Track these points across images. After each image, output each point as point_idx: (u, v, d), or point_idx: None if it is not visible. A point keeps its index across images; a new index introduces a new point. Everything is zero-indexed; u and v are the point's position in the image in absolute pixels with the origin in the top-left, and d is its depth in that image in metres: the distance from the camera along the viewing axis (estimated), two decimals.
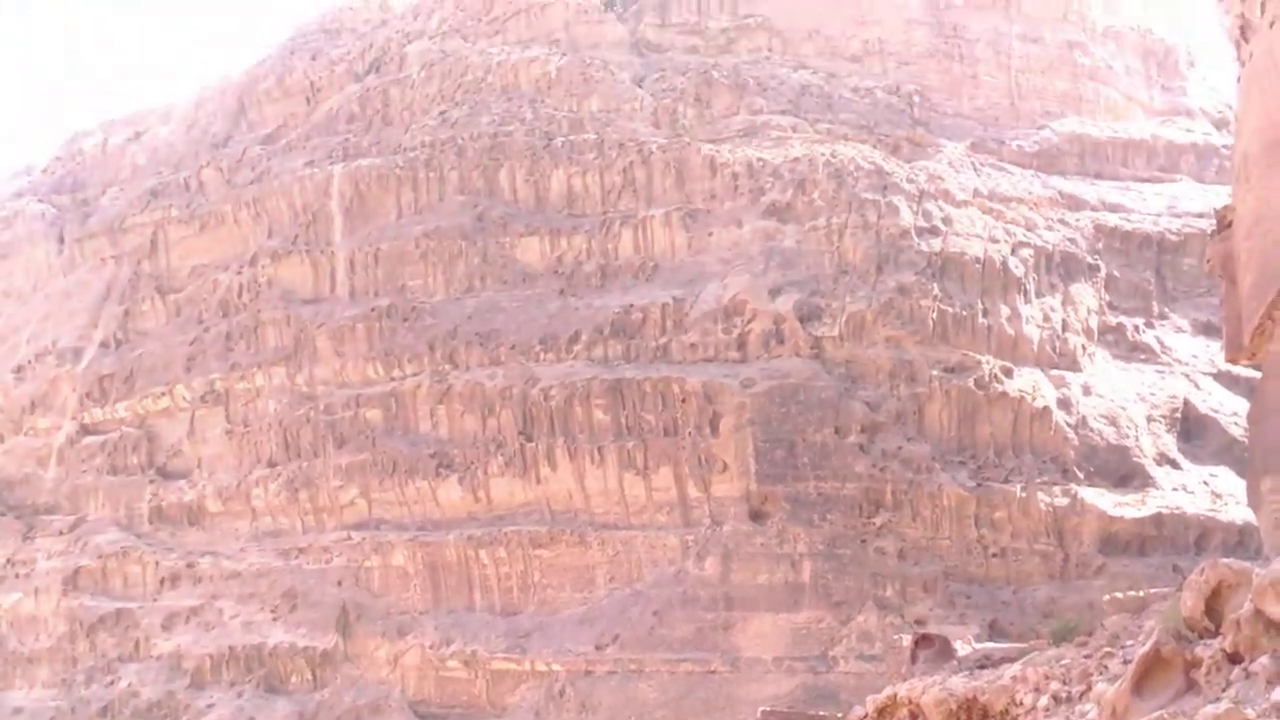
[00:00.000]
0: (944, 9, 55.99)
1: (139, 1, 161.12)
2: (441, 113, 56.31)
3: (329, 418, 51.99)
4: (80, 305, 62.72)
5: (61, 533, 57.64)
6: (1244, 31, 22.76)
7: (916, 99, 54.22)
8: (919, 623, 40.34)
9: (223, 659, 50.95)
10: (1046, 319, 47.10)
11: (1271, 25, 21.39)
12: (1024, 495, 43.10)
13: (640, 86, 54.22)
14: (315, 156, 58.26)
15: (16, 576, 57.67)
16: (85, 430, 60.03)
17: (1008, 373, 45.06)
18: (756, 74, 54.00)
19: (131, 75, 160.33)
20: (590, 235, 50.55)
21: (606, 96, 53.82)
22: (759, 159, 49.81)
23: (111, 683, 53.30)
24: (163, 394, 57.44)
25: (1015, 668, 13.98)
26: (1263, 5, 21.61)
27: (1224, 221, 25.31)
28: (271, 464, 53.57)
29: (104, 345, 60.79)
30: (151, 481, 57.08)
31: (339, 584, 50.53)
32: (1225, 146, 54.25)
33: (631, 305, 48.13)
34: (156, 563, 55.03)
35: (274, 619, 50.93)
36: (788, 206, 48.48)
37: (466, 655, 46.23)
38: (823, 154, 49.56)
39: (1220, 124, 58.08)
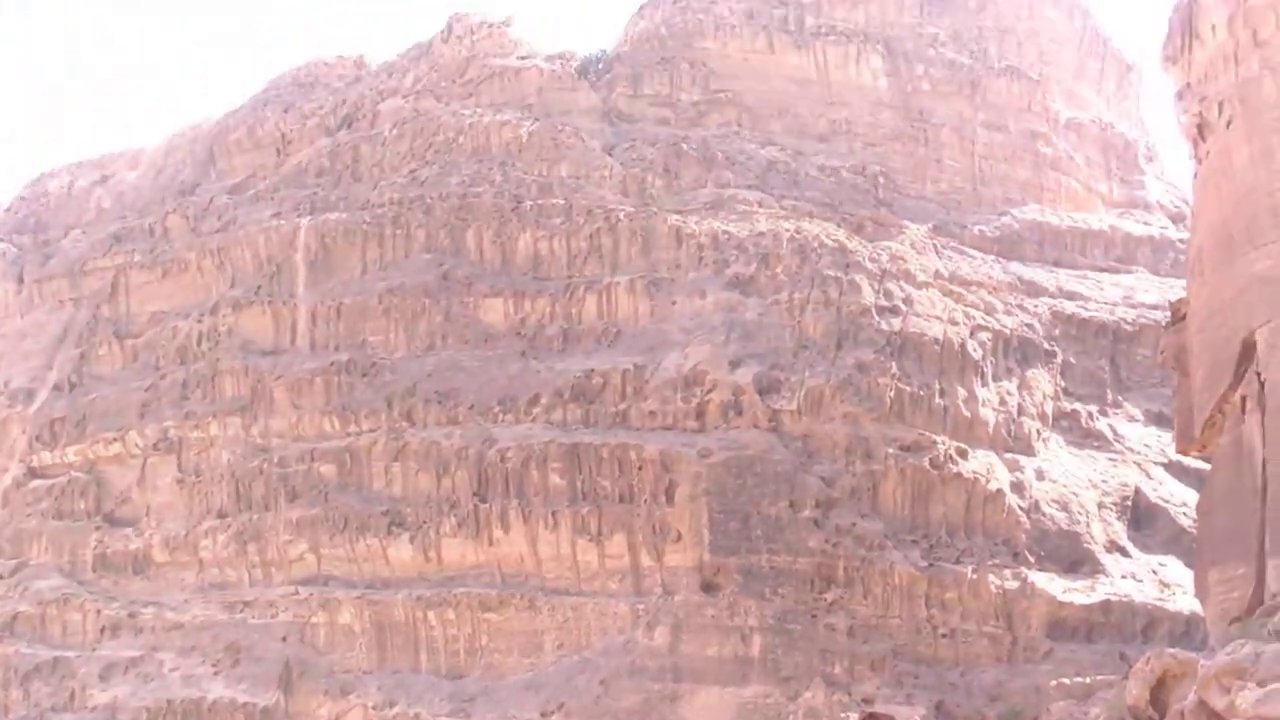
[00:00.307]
0: (911, 93, 57.13)
1: (139, 1, 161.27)
2: (411, 171, 56.62)
3: (282, 470, 51.54)
4: (36, 347, 62.09)
5: (2, 577, 56.54)
6: (1201, 131, 23.44)
7: (881, 180, 55.10)
8: (866, 701, 40.29)
9: (160, 712, 49.80)
10: (1003, 402, 47.62)
11: (1228, 126, 22.07)
12: (975, 577, 43.26)
13: (610, 155, 54.80)
14: (283, 208, 58.30)
15: None
16: (33, 473, 59.12)
17: (962, 454, 45.42)
18: (725, 148, 54.73)
19: (131, 75, 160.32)
20: (554, 299, 50.77)
21: (576, 163, 54.34)
22: (724, 231, 50.35)
23: None
24: (114, 439, 56.74)
25: None
26: (1220, 107, 22.30)
27: (1178, 314, 25.87)
28: (221, 515, 52.90)
29: (57, 388, 60.09)
30: (98, 528, 56.16)
31: (283, 639, 49.76)
32: (1181, 241, 55.44)
33: (592, 370, 48.25)
34: (98, 611, 54.02)
35: (215, 673, 49.98)
36: (751, 279, 48.92)
37: (410, 717, 45.53)
38: (787, 229, 50.14)
39: (1177, 218, 59.41)
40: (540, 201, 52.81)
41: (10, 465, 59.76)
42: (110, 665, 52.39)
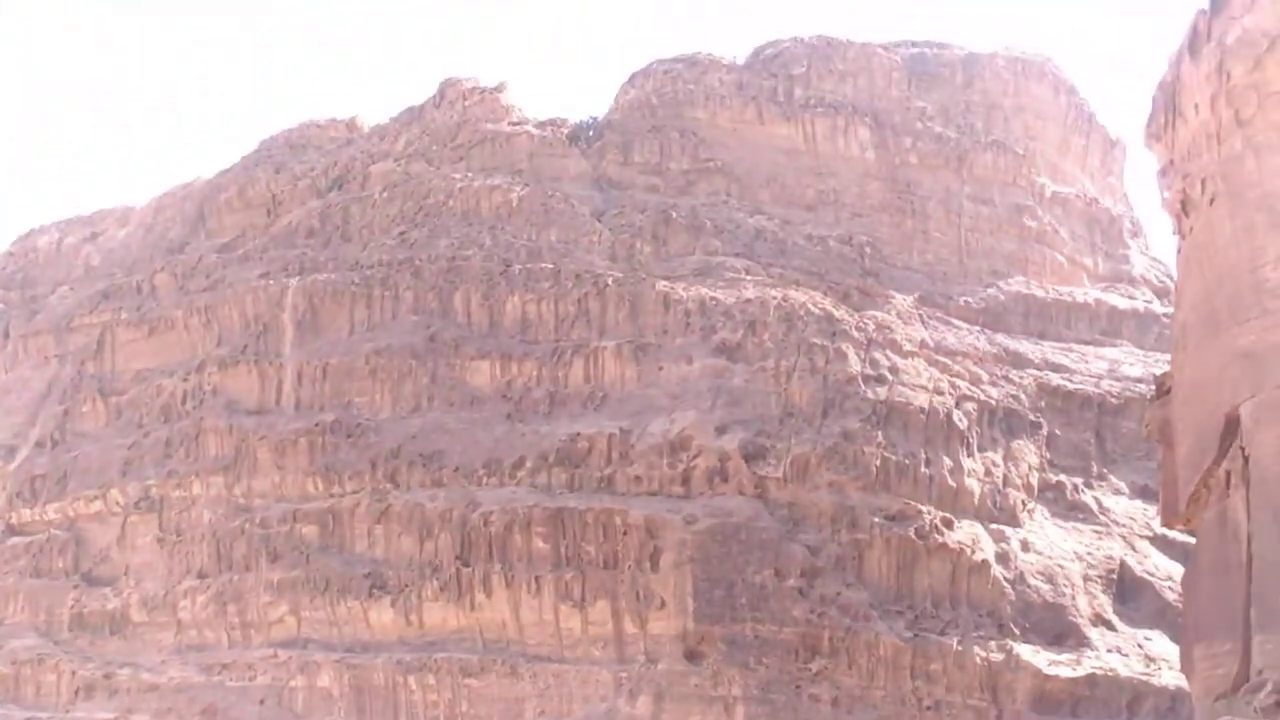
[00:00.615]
0: (898, 166, 57.73)
1: (139, 1, 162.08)
2: (401, 233, 56.82)
3: (264, 531, 51.15)
4: (19, 403, 61.82)
5: None
6: (1184, 207, 23.71)
7: (868, 250, 55.46)
8: None
9: None
10: (988, 473, 47.64)
11: (1211, 203, 22.33)
12: (960, 649, 43.00)
13: (599, 220, 55.11)
14: (271, 268, 58.38)
15: None
16: (11, 530, 58.60)
17: (948, 524, 45.32)
18: (713, 216, 55.10)
19: (130, 78, 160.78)
20: (541, 362, 50.77)
21: (566, 228, 54.61)
22: (712, 298, 50.54)
23: None
24: (95, 497, 56.31)
25: None
26: (1203, 184, 22.58)
27: (1163, 388, 25.98)
28: (201, 575, 52.39)
29: (40, 444, 59.74)
30: (75, 587, 55.53)
31: (261, 702, 49.08)
32: (1165, 315, 55.82)
33: (578, 434, 48.13)
34: (73, 672, 53.25)
35: None
36: (737, 346, 49.03)
37: None
38: (774, 297, 50.36)
39: (1161, 293, 59.87)
40: (529, 266, 53.00)
41: None
42: None
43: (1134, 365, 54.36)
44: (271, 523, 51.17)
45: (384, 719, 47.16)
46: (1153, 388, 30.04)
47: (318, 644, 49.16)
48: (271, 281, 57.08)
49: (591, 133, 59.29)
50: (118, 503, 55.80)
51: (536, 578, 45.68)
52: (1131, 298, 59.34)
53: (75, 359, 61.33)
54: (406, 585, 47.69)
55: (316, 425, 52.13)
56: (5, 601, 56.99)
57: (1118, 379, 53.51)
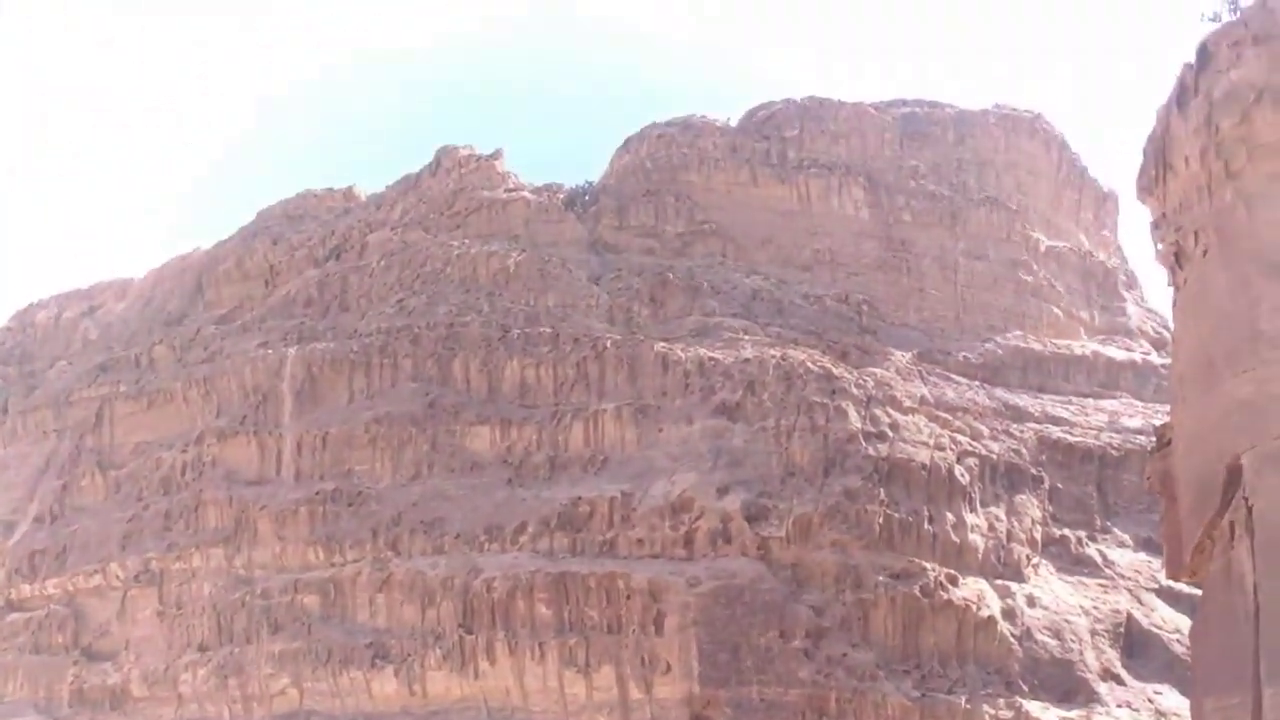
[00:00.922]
0: (893, 224, 58.14)
1: (139, 2, 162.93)
2: (399, 301, 57.08)
3: (265, 602, 50.81)
4: (18, 478, 61.69)
5: None
6: (1178, 259, 23.82)
7: (865, 308, 55.72)
8: None
9: None
10: (991, 528, 47.42)
11: (1204, 255, 22.43)
12: (968, 707, 42.47)
13: (597, 284, 55.38)
14: (270, 338, 58.57)
15: None
16: (11, 607, 58.21)
17: (953, 580, 45.02)
18: (710, 278, 55.40)
19: (130, 78, 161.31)
20: (541, 427, 50.76)
21: (563, 292, 54.86)
22: (710, 358, 50.64)
23: None
24: (95, 571, 55.96)
25: None
26: (1195, 236, 22.70)
27: (1163, 439, 25.92)
28: (203, 648, 51.96)
29: (39, 519, 59.51)
30: (75, 662, 55.04)
31: None
32: (1163, 366, 55.89)
33: (579, 498, 48.00)
34: None
35: None
36: (737, 406, 49.03)
37: None
38: (773, 356, 50.47)
39: (1158, 344, 59.99)
40: (527, 330, 53.18)
41: None
42: None
43: (1133, 417, 54.32)
44: (273, 593, 50.86)
45: None
46: (1153, 439, 29.98)
47: (320, 716, 48.62)
48: (270, 351, 57.23)
49: (587, 197, 59.79)
50: (117, 576, 55.48)
51: (540, 644, 45.33)
52: (1129, 349, 59.44)
53: (74, 433, 61.28)
54: (409, 654, 47.30)
55: (317, 494, 52.02)
56: (5, 678, 56.46)
57: (1118, 431, 53.44)
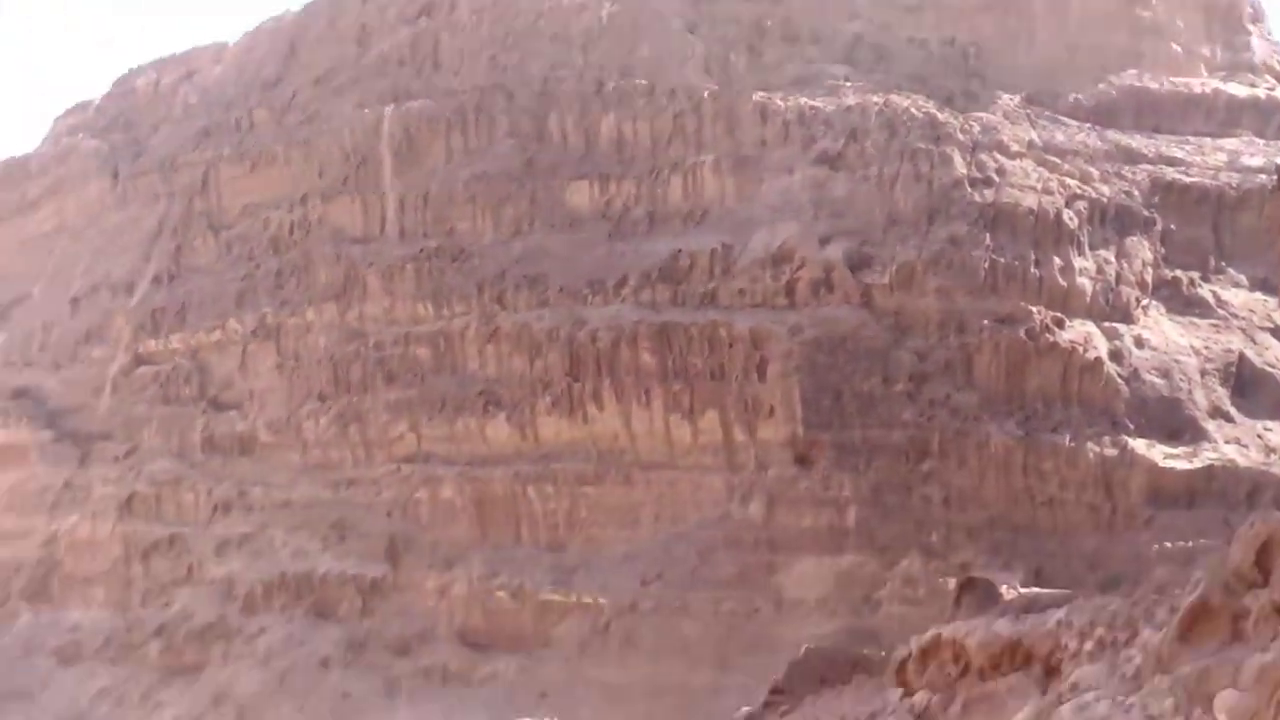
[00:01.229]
0: None
1: (139, 2, 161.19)
2: (491, 57, 56.36)
3: (378, 354, 52.35)
4: (133, 241, 63.33)
5: (116, 459, 58.38)
6: None
7: (972, 51, 53.74)
8: (964, 568, 40.27)
9: (273, 585, 51.43)
10: (1100, 271, 46.61)
11: None
12: (1072, 446, 42.77)
13: (692, 34, 53.99)
14: (365, 99, 58.48)
15: (73, 500, 58.58)
16: (139, 361, 60.68)
17: (1059, 324, 44.67)
18: (810, 23, 53.75)
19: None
20: (639, 181, 50.52)
21: (657, 44, 53.64)
22: (811, 107, 49.57)
23: (166, 605, 53.98)
24: (214, 328, 57.89)
25: (1060, 613, 13.89)
26: None
27: None
28: (322, 398, 53.93)
29: (156, 280, 61.35)
30: (204, 412, 57.56)
31: (388, 515, 50.97)
32: None
33: (680, 251, 48.10)
34: (209, 491, 55.56)
35: (324, 548, 51.40)
36: (839, 155, 48.24)
37: (513, 588, 46.64)
38: (875, 103, 49.25)
39: None
40: (622, 84, 52.34)
41: (117, 354, 61.31)
42: (224, 542, 54.02)
43: (1255, 156, 52.08)
44: (385, 346, 52.31)
45: (506, 528, 48.73)
46: (1274, 178, 28.97)
47: (438, 459, 50.61)
48: (367, 112, 57.21)
49: None
50: (236, 332, 57.38)
51: (646, 390, 46.32)
52: (1252, 85, 56.62)
53: (182, 196, 62.40)
54: (520, 402, 48.68)
55: (421, 251, 52.80)
56: (140, 427, 59.32)
57: (1237, 170, 51.43)
